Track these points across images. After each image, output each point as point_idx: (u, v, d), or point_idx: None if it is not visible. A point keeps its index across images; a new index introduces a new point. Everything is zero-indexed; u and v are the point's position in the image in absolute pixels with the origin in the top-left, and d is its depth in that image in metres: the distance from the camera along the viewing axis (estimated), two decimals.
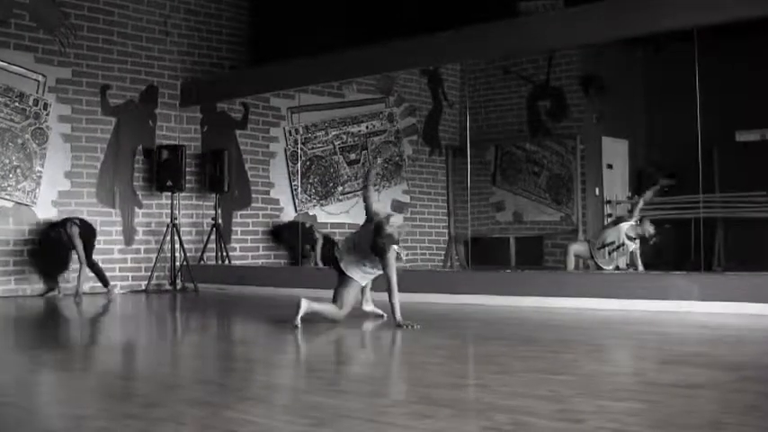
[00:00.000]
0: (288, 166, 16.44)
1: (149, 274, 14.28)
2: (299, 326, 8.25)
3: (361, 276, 8.77)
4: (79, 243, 13.02)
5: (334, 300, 8.72)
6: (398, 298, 8.44)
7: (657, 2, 10.26)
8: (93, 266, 13.40)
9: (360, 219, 16.55)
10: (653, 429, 4.12)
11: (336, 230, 16.42)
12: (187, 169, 14.66)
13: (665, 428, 4.12)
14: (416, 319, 8.37)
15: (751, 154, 15.86)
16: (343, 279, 8.76)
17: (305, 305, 8.45)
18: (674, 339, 7.79)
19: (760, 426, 4.14)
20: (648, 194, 13.60)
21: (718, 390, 5.13)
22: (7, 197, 13.26)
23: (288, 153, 16.47)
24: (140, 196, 14.60)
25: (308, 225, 16.02)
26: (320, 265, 14.78)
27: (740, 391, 5.09)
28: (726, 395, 4.96)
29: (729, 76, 15.27)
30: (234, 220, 15.65)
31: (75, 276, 13.19)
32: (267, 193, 16.13)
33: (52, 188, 13.66)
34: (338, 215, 17.06)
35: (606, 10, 10.58)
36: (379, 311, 9.03)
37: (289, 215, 16.31)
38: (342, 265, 8.76)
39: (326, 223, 16.86)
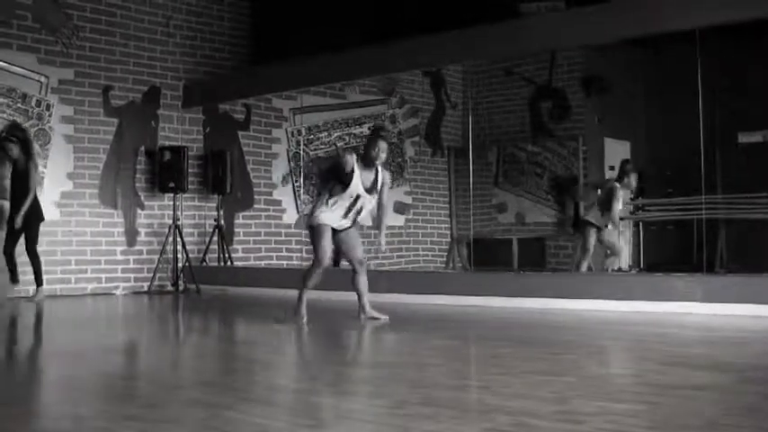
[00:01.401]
0: (290, 166, 16.45)
1: (151, 275, 14.28)
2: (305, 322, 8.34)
3: (330, 217, 8.99)
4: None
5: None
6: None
7: (659, 3, 10.27)
8: (35, 257, 12.63)
9: (361, 219, 16.65)
10: (653, 430, 4.12)
11: None
12: (189, 170, 14.66)
13: (665, 430, 4.12)
14: (412, 322, 8.38)
15: (753, 155, 15.87)
16: (313, 233, 9.09)
17: (299, 307, 8.88)
18: (675, 341, 7.80)
19: (760, 427, 4.15)
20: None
21: (719, 391, 5.13)
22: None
23: (290, 154, 16.48)
24: (142, 197, 14.61)
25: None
26: None
27: (741, 392, 5.10)
28: (726, 396, 4.97)
29: (731, 78, 15.27)
30: (236, 221, 15.66)
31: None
32: (269, 194, 16.14)
33: (55, 189, 13.66)
34: None
35: (608, 11, 10.59)
36: (380, 316, 9.05)
37: (291, 218, 16.35)
38: (311, 220, 9.10)
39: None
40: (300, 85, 14.99)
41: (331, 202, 8.93)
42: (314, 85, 15.52)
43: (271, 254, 16.07)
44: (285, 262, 16.17)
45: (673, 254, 16.19)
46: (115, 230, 14.27)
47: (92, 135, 14.06)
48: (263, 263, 15.87)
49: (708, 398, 4.92)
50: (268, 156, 16.16)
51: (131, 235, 14.45)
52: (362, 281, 9.11)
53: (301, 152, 16.55)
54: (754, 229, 14.23)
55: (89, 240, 13.90)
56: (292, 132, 16.54)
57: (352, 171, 8.77)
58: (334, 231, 9.02)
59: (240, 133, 15.80)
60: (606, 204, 12.94)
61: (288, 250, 16.28)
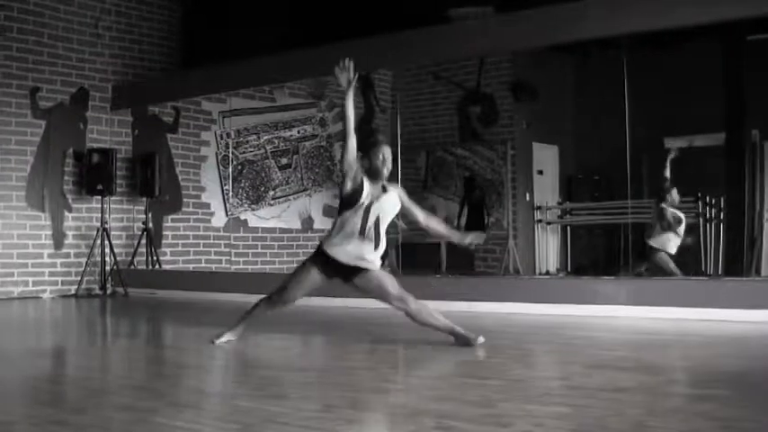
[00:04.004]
0: (219, 170, 16.41)
1: (79, 278, 14.17)
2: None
3: (340, 250, 7.35)
4: None
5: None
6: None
7: (587, 10, 10.35)
8: None
9: (291, 223, 16.66)
10: None
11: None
12: (118, 173, 14.56)
13: None
14: (340, 326, 8.38)
15: (679, 161, 16.06)
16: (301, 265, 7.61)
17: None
18: (601, 344, 7.88)
19: (683, 428, 4.21)
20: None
21: (643, 393, 5.20)
22: None
23: (219, 157, 16.43)
24: (70, 200, 14.47)
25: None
26: None
27: (664, 394, 5.17)
28: (650, 398, 5.03)
29: (658, 84, 15.46)
30: (165, 224, 15.58)
31: None
32: (198, 197, 16.08)
33: None
34: (269, 219, 17.06)
35: (536, 17, 10.67)
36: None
37: (220, 221, 16.33)
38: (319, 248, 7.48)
39: (257, 228, 16.86)
40: (230, 87, 14.96)
41: (339, 224, 7.30)
42: (243, 87, 15.51)
43: (199, 257, 16.02)
44: (214, 265, 16.13)
45: (599, 258, 16.37)
46: (42, 233, 14.13)
47: (19, 137, 13.89)
48: (191, 266, 15.82)
49: (633, 400, 4.98)
50: (197, 159, 16.10)
51: (59, 238, 14.31)
52: (423, 313, 7.51)
53: (230, 155, 16.51)
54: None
55: (16, 243, 13.75)
56: (221, 135, 16.50)
57: (362, 183, 7.20)
58: (345, 276, 7.48)
59: (169, 136, 15.72)
60: (664, 226, 12.67)
61: (216, 253, 16.24)
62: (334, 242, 7.27)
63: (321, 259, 7.34)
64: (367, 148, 7.28)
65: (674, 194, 12.68)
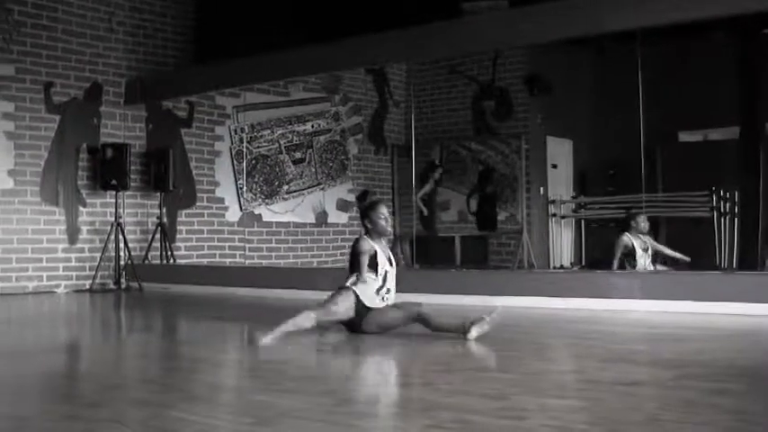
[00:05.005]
0: (233, 164, 16.41)
1: (94, 273, 14.18)
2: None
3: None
4: None
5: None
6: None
7: (601, 3, 10.33)
8: None
9: (305, 217, 16.63)
10: (593, 426, 4.15)
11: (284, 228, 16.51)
12: (132, 168, 14.54)
13: (605, 425, 4.16)
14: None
15: (693, 154, 16.04)
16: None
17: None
18: (616, 337, 7.87)
19: (696, 421, 4.20)
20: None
21: (658, 387, 5.19)
22: None
23: (233, 152, 16.44)
24: (84, 195, 14.49)
25: None
26: None
27: (678, 387, 5.15)
28: (664, 392, 5.02)
29: (673, 78, 15.42)
30: (179, 218, 15.59)
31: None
32: (212, 191, 16.09)
33: None
34: (283, 214, 17.06)
35: (550, 11, 10.64)
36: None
37: (234, 215, 16.34)
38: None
39: (271, 222, 16.87)
40: (244, 82, 14.96)
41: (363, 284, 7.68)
42: (258, 82, 15.50)
43: (213, 252, 16.03)
44: (228, 260, 16.14)
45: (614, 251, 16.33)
46: (57, 228, 14.16)
47: (33, 132, 13.92)
48: (205, 260, 15.82)
49: (648, 393, 4.97)
50: (211, 153, 16.11)
51: (73, 233, 14.33)
52: (434, 322, 7.66)
53: (244, 150, 16.52)
54: (695, 227, 14.40)
55: (30, 238, 13.79)
56: (235, 130, 16.50)
57: (375, 253, 7.73)
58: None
59: (183, 130, 15.74)
60: (627, 259, 12.43)
61: (231, 248, 16.25)
62: (366, 293, 7.71)
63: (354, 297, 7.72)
64: (366, 210, 7.90)
65: (641, 221, 12.36)
